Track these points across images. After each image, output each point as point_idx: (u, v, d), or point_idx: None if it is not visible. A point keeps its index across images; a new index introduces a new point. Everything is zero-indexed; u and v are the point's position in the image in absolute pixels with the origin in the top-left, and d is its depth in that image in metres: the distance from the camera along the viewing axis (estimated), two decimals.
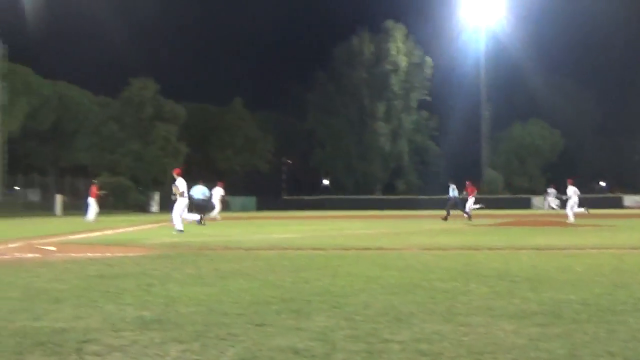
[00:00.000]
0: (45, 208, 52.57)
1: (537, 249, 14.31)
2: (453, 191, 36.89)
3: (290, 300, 7.29)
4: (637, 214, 43.76)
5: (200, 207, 28.82)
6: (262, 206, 75.19)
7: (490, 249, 14.36)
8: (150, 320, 6.19)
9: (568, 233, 21.61)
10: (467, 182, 41.37)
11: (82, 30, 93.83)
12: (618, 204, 64.37)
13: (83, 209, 55.36)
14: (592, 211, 52.39)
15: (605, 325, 5.84)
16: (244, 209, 71.82)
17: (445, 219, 34.32)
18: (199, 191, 29.82)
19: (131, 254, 13.61)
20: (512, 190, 77.91)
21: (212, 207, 36.50)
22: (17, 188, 65.64)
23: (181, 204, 21.60)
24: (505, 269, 10.16)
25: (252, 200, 77.44)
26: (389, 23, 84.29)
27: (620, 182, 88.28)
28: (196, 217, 26.31)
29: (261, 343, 5.25)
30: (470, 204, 37.55)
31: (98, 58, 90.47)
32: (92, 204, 35.23)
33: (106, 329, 5.84)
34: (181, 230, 21.24)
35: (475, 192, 39.29)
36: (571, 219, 30.29)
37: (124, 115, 71.49)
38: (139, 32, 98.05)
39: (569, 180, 32.67)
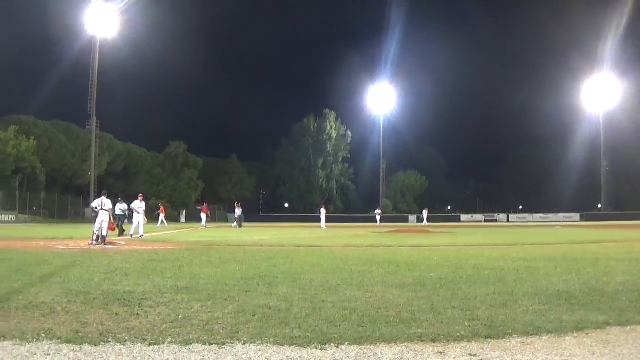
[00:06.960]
0: None
1: (412, 246, 14.41)
2: (321, 213, 37.39)
3: (265, 276, 7.23)
4: (469, 226, 44.04)
5: (120, 218, 20.97)
6: (247, 219, 73.76)
7: (384, 246, 14.40)
8: (182, 287, 6.11)
9: (430, 236, 21.76)
10: (324, 204, 42.15)
11: (142, 112, 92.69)
12: (458, 220, 65.09)
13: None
14: (442, 223, 54.00)
15: (450, 290, 6.00)
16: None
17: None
18: (118, 207, 21.29)
19: (169, 247, 13.35)
20: (397, 212, 78.37)
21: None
22: None
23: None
24: (393, 258, 10.20)
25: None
26: (326, 111, 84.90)
27: (459, 206, 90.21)
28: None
29: (248, 302, 5.22)
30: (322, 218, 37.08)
31: (152, 127, 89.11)
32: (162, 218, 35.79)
33: (155, 292, 5.77)
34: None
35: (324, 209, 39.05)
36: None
37: (165, 163, 70.15)
38: (175, 109, 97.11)
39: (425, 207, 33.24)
